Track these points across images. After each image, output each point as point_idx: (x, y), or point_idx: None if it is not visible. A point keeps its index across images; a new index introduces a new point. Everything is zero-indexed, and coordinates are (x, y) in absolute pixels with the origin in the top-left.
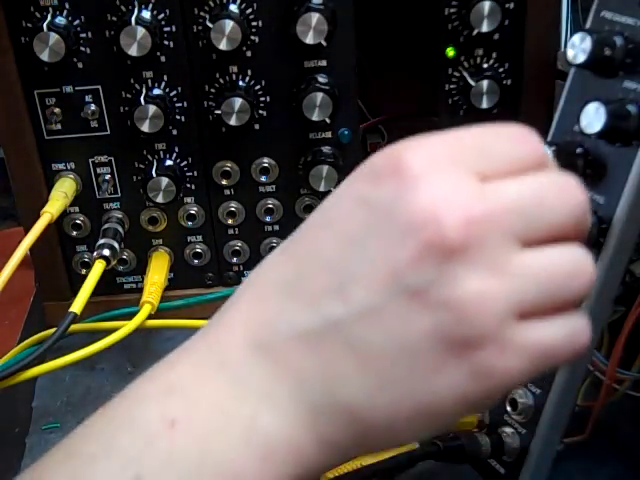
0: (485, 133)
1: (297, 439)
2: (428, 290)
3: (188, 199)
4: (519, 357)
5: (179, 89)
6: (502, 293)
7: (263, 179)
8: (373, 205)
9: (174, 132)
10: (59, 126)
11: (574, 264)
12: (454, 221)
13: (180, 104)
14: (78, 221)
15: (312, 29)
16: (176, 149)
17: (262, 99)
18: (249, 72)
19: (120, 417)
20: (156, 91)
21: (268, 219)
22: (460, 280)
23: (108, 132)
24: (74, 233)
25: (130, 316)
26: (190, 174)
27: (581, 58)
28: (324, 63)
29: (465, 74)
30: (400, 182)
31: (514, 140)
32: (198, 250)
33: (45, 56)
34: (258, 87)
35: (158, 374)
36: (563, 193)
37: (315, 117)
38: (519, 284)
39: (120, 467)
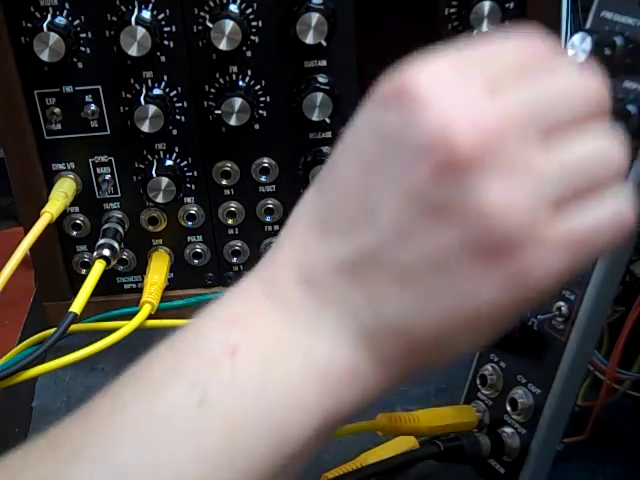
0: (490, 45)
1: (354, 364)
2: (449, 205)
3: (188, 199)
4: (558, 252)
5: (179, 89)
6: (526, 191)
7: (263, 179)
8: (385, 131)
9: (174, 132)
10: (59, 126)
11: (600, 152)
12: (464, 135)
13: (180, 104)
14: (78, 221)
15: (312, 29)
16: (176, 149)
17: (262, 99)
18: (249, 72)
19: (184, 347)
20: (156, 91)
21: (268, 219)
22: (479, 189)
23: (108, 132)
24: (74, 233)
25: (130, 316)
26: (190, 174)
27: (581, 58)
28: (324, 63)
29: None
30: (406, 104)
31: (521, 50)
32: (198, 250)
33: (45, 56)
34: (258, 87)
35: (216, 311)
36: (577, 83)
37: (315, 117)
38: (543, 179)
39: (186, 391)
